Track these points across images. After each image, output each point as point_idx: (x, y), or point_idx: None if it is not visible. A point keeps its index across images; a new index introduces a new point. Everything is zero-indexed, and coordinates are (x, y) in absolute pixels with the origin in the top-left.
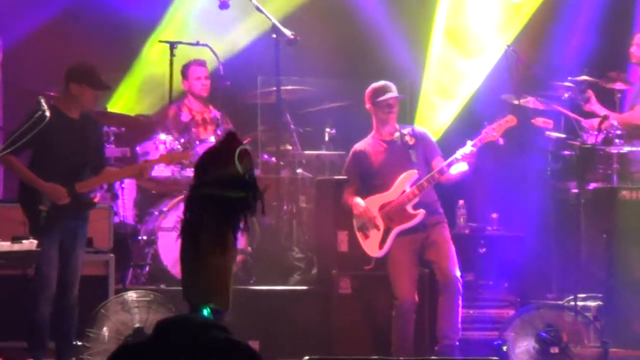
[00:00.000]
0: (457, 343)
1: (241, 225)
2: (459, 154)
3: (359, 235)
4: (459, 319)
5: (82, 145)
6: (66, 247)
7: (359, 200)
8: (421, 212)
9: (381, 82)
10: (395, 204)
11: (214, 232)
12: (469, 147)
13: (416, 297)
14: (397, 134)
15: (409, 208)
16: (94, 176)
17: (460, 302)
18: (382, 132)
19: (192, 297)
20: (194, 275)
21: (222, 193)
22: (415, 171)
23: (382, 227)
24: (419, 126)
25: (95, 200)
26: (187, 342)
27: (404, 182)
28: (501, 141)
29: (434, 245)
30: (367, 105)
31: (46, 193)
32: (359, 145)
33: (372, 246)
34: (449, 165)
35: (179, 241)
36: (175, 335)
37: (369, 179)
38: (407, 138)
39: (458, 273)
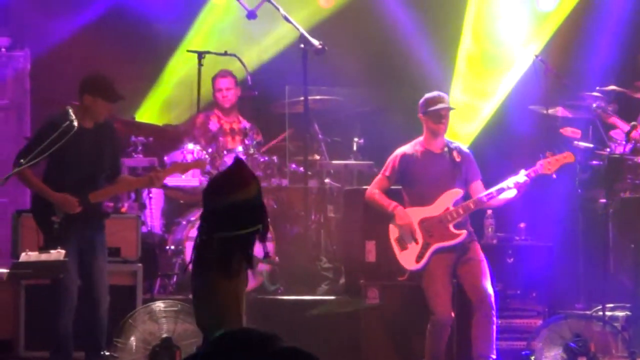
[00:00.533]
0: None
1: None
2: (510, 181)
3: (395, 245)
4: (495, 336)
5: (95, 155)
6: (87, 258)
7: (402, 210)
8: (464, 232)
9: (434, 93)
10: (436, 220)
11: (223, 262)
12: (522, 177)
13: (452, 313)
14: (445, 149)
15: (451, 227)
16: (107, 185)
17: (495, 318)
18: (431, 144)
19: (204, 324)
20: (204, 302)
21: (237, 232)
22: (461, 191)
23: (420, 241)
24: (464, 146)
25: (123, 210)
26: (258, 351)
27: (448, 200)
28: (554, 176)
29: (469, 263)
30: (419, 115)
31: (57, 203)
32: (407, 149)
33: (408, 259)
34: (499, 191)
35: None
36: (243, 346)
37: (409, 186)
38: (455, 154)
39: (491, 290)
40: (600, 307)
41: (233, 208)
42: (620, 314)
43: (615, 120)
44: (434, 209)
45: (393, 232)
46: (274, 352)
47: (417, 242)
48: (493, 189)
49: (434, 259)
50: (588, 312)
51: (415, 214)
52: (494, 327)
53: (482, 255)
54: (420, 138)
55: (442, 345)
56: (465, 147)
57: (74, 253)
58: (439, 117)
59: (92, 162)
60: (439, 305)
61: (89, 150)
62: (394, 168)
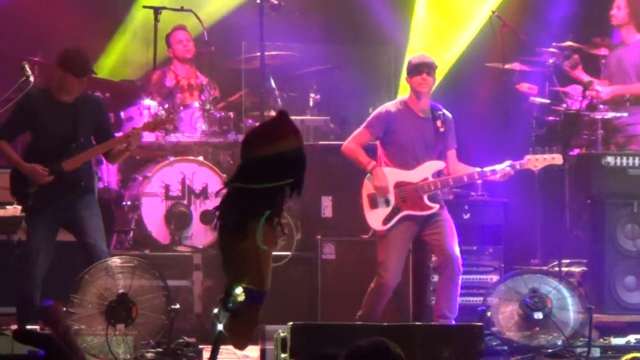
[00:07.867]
0: (454, 321)
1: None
2: (495, 169)
3: (366, 200)
4: (457, 298)
5: (71, 128)
6: (73, 224)
7: (381, 171)
8: (436, 206)
9: (419, 53)
10: (413, 188)
11: (236, 219)
12: (507, 168)
13: (399, 279)
14: (430, 114)
15: (426, 198)
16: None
17: (460, 281)
18: (415, 105)
19: (228, 276)
20: (227, 256)
21: (256, 186)
22: (444, 164)
23: (392, 204)
24: (448, 113)
25: None
26: None
27: (429, 170)
28: (536, 171)
29: (437, 223)
30: (405, 77)
31: (27, 174)
32: (391, 107)
33: (375, 219)
34: (481, 175)
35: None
36: None
37: (388, 144)
38: (439, 124)
39: (458, 252)
40: (556, 262)
41: (262, 160)
42: (576, 269)
43: (579, 73)
44: (413, 176)
45: (367, 188)
46: None
47: (388, 205)
48: (476, 171)
49: (399, 225)
50: (544, 268)
51: (392, 175)
52: (458, 289)
53: (449, 217)
54: (405, 97)
55: (380, 308)
56: (448, 113)
57: (47, 225)
58: (419, 75)
59: (67, 135)
60: (388, 271)
61: (64, 123)
62: (377, 124)
